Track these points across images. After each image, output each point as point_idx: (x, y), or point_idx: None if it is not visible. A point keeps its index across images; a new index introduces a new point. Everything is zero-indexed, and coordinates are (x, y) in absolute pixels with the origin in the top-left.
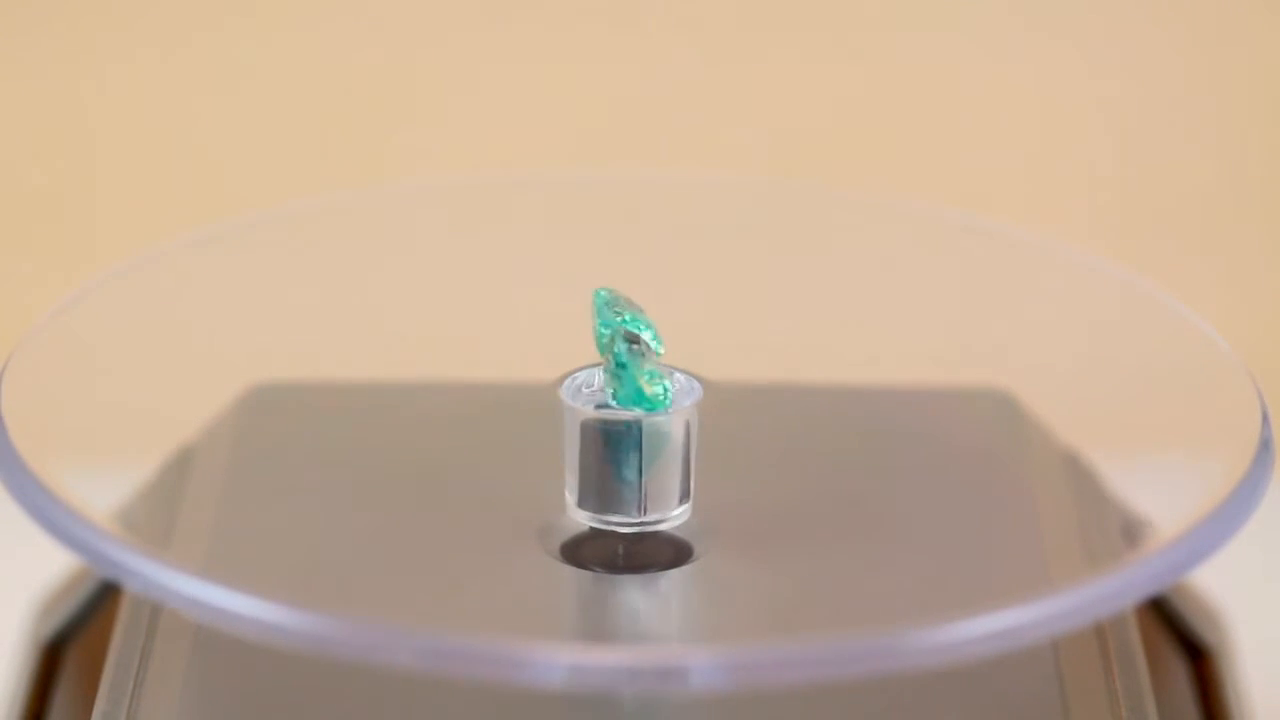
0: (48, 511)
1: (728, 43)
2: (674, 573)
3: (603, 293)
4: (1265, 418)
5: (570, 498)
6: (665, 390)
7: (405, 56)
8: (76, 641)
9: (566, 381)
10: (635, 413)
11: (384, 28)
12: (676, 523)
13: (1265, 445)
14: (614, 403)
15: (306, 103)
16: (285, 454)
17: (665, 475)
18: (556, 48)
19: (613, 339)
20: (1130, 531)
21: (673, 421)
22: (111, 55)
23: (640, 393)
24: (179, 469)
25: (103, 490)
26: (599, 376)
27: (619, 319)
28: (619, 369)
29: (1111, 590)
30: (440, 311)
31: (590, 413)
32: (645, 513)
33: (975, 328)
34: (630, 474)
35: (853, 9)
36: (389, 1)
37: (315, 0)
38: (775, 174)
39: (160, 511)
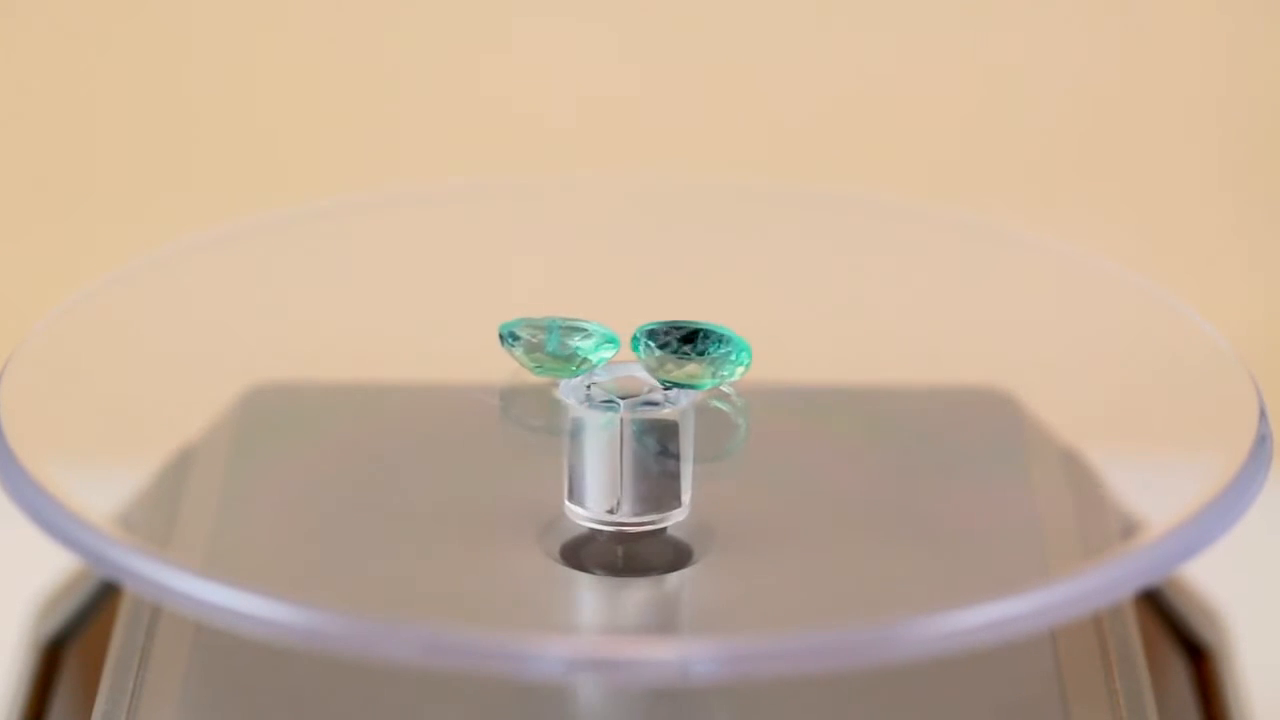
0: (45, 513)
1: (724, 42)
2: (675, 574)
3: (534, 320)
4: (1263, 413)
5: (569, 499)
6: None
7: (405, 57)
8: (76, 641)
9: (563, 382)
10: (672, 407)
11: (383, 31)
12: (673, 523)
13: (1262, 440)
14: (698, 386)
15: (306, 104)
16: (285, 454)
17: (657, 474)
18: (551, 50)
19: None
20: (1129, 530)
21: (661, 420)
22: (110, 55)
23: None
24: (179, 469)
25: (103, 491)
26: (596, 376)
27: (595, 326)
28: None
29: (1108, 581)
30: (439, 312)
31: (632, 410)
32: (636, 512)
33: (975, 328)
34: (672, 467)
35: (847, 8)
36: (387, 6)
37: (315, 6)
38: (774, 174)
39: (160, 512)
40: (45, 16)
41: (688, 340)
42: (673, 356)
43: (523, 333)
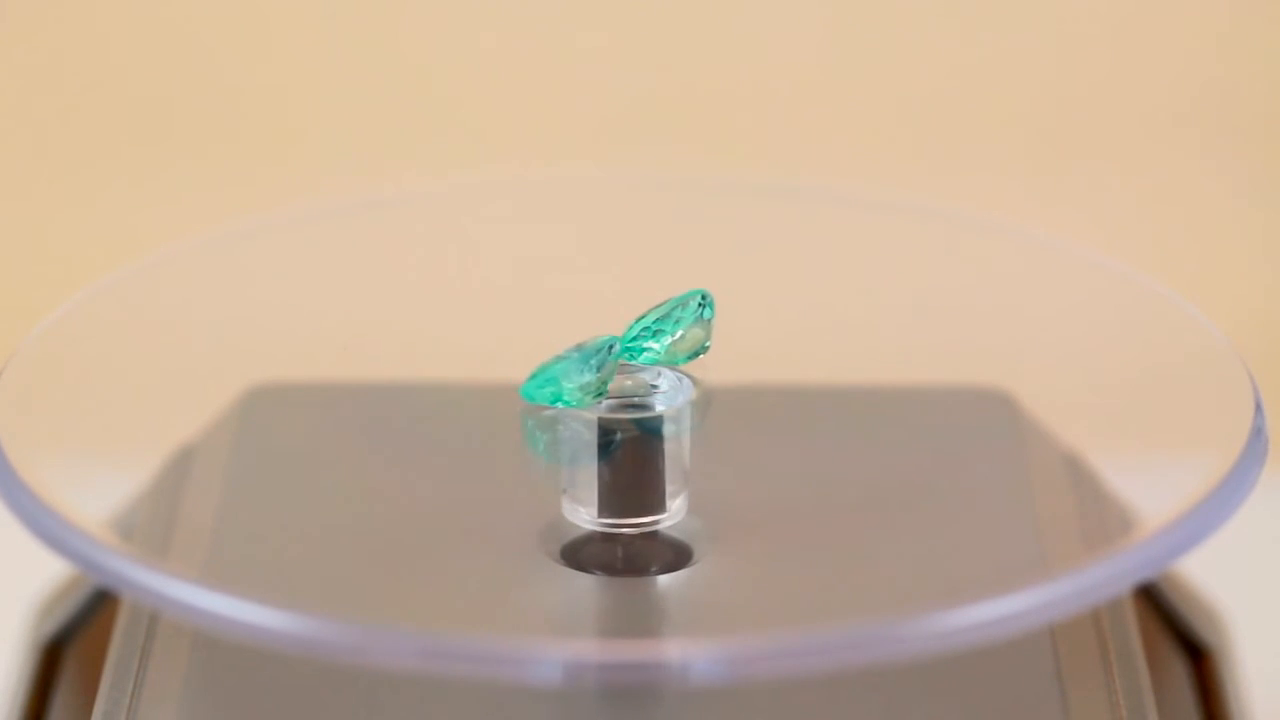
0: (40, 520)
1: (723, 39)
2: (674, 574)
3: (550, 367)
4: (1259, 407)
5: (567, 499)
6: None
7: (403, 57)
8: (76, 642)
9: None
10: (628, 411)
11: (381, 32)
12: (673, 521)
13: (1258, 433)
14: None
15: (306, 103)
16: (285, 454)
17: (662, 474)
18: (548, 49)
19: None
20: (1128, 528)
21: (665, 420)
22: (107, 57)
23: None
24: (179, 469)
25: (103, 491)
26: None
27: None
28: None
29: (1105, 577)
30: (440, 312)
31: (590, 413)
32: (640, 513)
33: (975, 328)
34: (624, 473)
35: (844, 8)
36: (383, 9)
37: (321, 7)
38: (773, 172)
39: (160, 512)
40: (34, 14)
41: (665, 322)
42: (667, 345)
43: (558, 380)
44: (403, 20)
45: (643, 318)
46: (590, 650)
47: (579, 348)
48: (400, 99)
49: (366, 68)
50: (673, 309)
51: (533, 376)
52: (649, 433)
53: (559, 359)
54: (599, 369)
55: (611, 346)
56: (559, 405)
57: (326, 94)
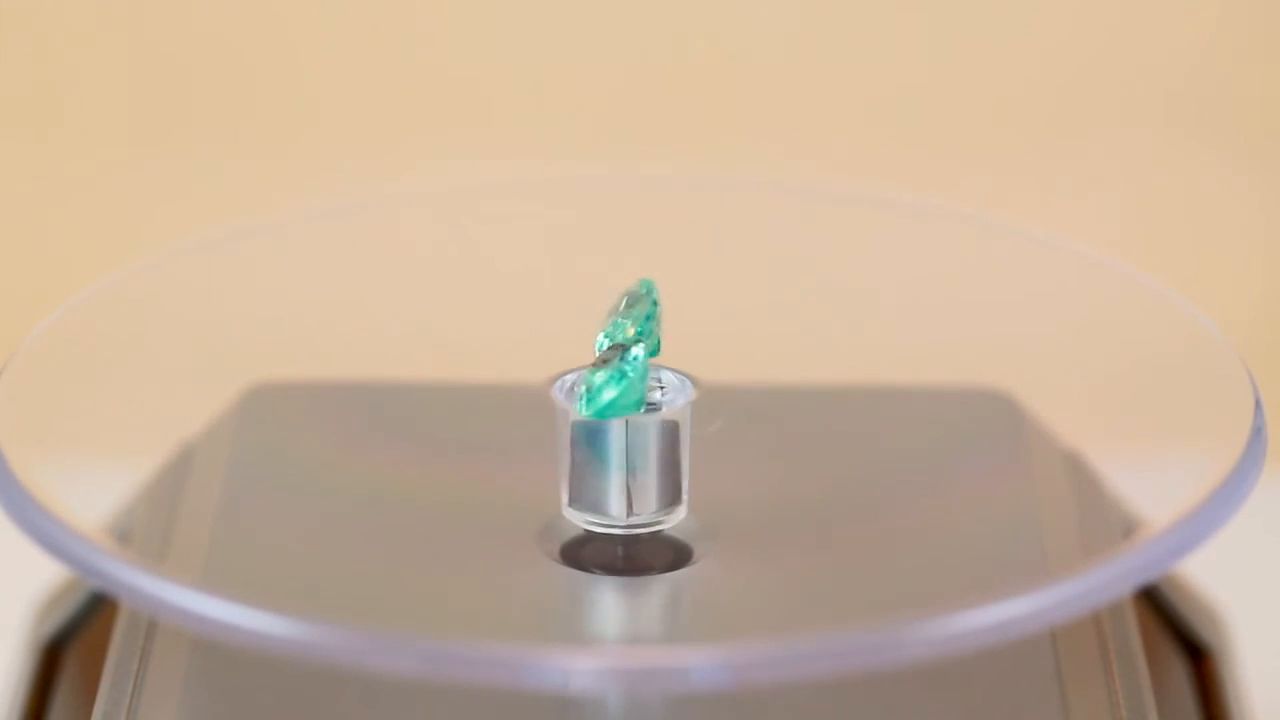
0: (36, 523)
1: (721, 37)
2: (674, 575)
3: (644, 283)
4: (1258, 406)
5: (565, 500)
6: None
7: (402, 57)
8: (76, 642)
9: (558, 383)
10: (670, 406)
11: (379, 32)
12: (672, 523)
13: (1257, 432)
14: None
15: (310, 103)
16: (285, 454)
17: (659, 475)
18: (546, 46)
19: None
20: (1130, 529)
21: (664, 421)
22: (109, 57)
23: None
24: (179, 469)
25: (103, 491)
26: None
27: (626, 320)
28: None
29: (1106, 580)
30: (440, 311)
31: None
32: (638, 513)
33: (975, 328)
34: (623, 474)
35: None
36: (383, 11)
37: (322, 6)
38: (772, 170)
39: (160, 512)
40: (33, 14)
41: (651, 317)
42: (651, 337)
43: (621, 395)
44: (402, 20)
45: (629, 315)
46: (593, 657)
47: (628, 361)
48: (400, 99)
49: (366, 67)
50: (649, 302)
51: (595, 396)
52: (669, 432)
53: (617, 376)
54: (645, 376)
55: (650, 353)
56: (616, 417)
57: (327, 93)
